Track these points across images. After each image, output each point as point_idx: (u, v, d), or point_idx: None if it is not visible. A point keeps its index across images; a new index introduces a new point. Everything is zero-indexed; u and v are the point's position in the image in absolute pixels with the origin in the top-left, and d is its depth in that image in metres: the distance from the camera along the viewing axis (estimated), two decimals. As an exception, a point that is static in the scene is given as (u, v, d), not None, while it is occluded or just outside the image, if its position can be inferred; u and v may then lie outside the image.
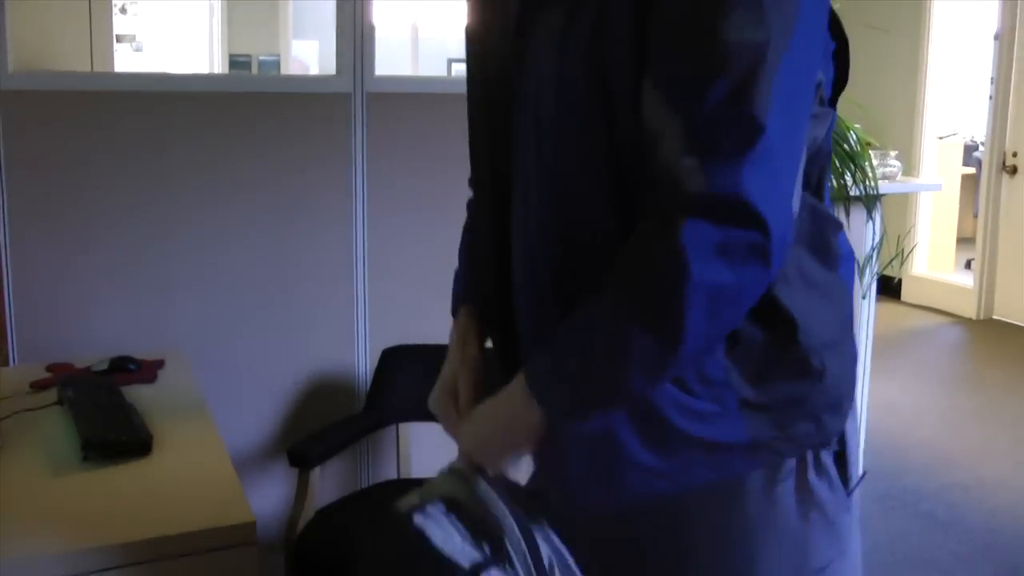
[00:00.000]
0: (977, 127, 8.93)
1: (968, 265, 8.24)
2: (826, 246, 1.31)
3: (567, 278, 1.24)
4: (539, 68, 1.22)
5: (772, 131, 1.06)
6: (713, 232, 1.05)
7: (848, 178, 3.87)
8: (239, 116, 3.11)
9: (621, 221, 1.16)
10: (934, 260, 8.33)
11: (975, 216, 7.99)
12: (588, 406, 1.20)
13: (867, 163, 3.95)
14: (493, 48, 1.36)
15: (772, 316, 1.23)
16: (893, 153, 4.52)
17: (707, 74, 1.05)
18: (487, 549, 1.21)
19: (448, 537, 1.20)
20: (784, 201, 1.09)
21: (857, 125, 4.04)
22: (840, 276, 1.32)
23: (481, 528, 1.23)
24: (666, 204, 1.07)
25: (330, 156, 3.22)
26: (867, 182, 3.92)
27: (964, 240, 8.71)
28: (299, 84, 3.67)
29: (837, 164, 3.87)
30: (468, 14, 1.45)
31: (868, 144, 4.13)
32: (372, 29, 3.22)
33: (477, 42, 1.43)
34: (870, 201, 3.95)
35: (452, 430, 1.41)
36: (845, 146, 3.86)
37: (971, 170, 9.28)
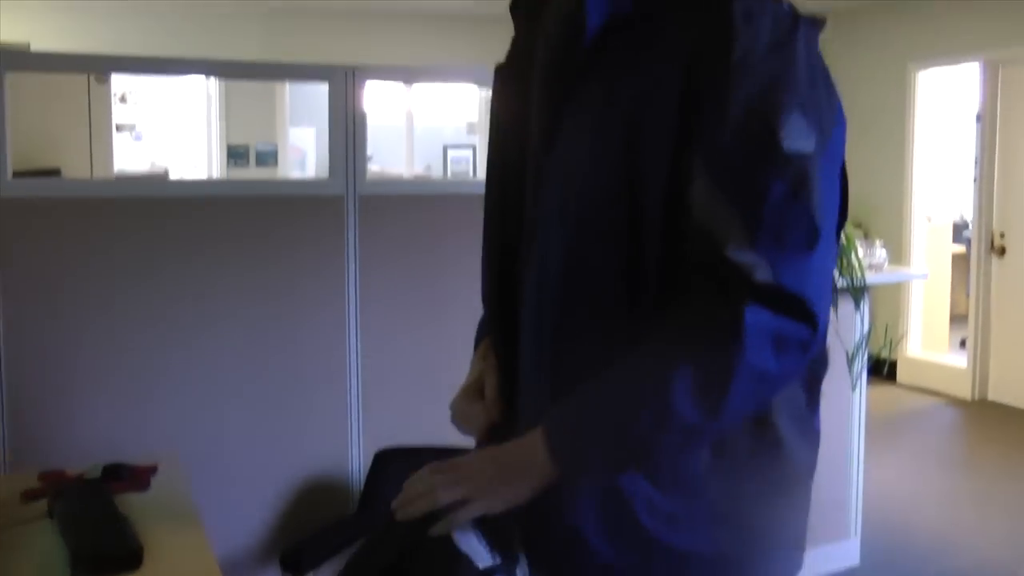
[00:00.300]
0: (966, 205, 9.01)
1: (963, 344, 8.27)
2: (817, 387, 1.35)
3: (573, 345, 1.29)
4: (568, 150, 1.30)
5: (825, 233, 1.18)
6: (772, 320, 1.15)
7: (835, 270, 3.91)
8: (232, 220, 3.16)
9: (632, 297, 1.24)
10: (928, 340, 8.36)
11: (968, 295, 8.04)
12: (609, 467, 1.23)
13: (853, 254, 4.00)
14: (516, 135, 1.44)
15: (763, 430, 1.26)
16: (879, 242, 4.58)
17: (767, 176, 1.17)
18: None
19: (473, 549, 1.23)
20: (828, 302, 1.21)
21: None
22: (815, 426, 1.37)
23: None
24: (730, 289, 1.16)
25: (323, 258, 3.26)
26: (854, 274, 3.96)
27: (959, 318, 8.75)
28: (292, 188, 3.73)
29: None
30: (494, 102, 1.55)
31: (859, 226, 4.19)
32: (364, 133, 3.28)
33: (502, 129, 1.52)
34: (857, 292, 3.99)
35: (475, 427, 1.44)
36: (831, 238, 3.90)
37: (962, 248, 9.35)
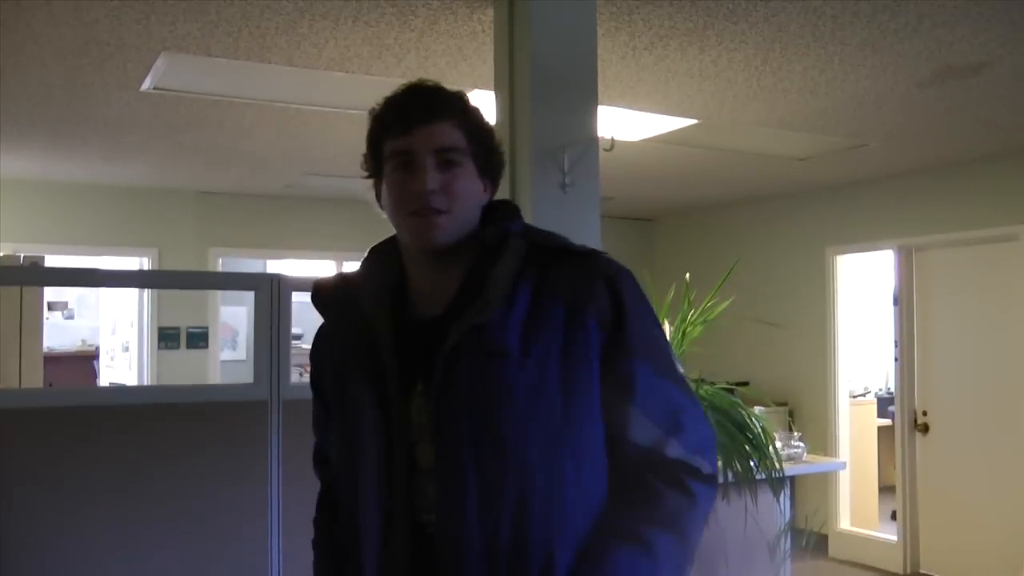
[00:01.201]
0: (892, 379, 9.21)
1: (894, 516, 8.35)
2: None
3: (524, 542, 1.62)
4: (492, 381, 1.65)
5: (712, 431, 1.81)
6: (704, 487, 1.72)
7: (753, 464, 4.00)
8: (157, 425, 3.18)
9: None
10: (858, 514, 8.44)
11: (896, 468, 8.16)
12: None
13: (771, 447, 4.09)
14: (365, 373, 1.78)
15: None
16: (797, 435, 4.69)
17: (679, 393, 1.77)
18: None
19: None
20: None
21: (759, 410, 4.20)
22: None
23: None
24: (678, 470, 1.71)
25: (246, 462, 3.29)
26: (772, 466, 4.04)
27: (889, 488, 8.85)
28: (217, 393, 3.76)
29: (747, 449, 4.01)
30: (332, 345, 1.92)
31: (784, 404, 4.29)
32: (288, 340, 3.35)
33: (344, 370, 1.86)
34: (776, 485, 4.07)
35: None
36: (748, 434, 4.00)
37: (888, 422, 9.52)
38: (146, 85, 4.92)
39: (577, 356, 1.67)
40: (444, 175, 1.70)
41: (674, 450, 1.69)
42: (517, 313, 1.67)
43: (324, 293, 1.90)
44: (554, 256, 1.74)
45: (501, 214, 1.80)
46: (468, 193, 1.73)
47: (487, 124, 1.81)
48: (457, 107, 1.75)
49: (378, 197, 1.81)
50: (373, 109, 1.79)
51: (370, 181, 1.82)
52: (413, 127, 1.70)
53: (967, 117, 5.79)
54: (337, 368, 1.84)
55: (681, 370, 1.79)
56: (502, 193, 3.96)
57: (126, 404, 3.21)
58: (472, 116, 1.77)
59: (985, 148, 6.76)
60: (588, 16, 3.73)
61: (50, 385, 8.92)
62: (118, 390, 3.86)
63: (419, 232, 1.71)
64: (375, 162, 1.79)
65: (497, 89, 3.78)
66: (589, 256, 1.76)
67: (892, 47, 4.35)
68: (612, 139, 3.54)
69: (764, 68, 4.66)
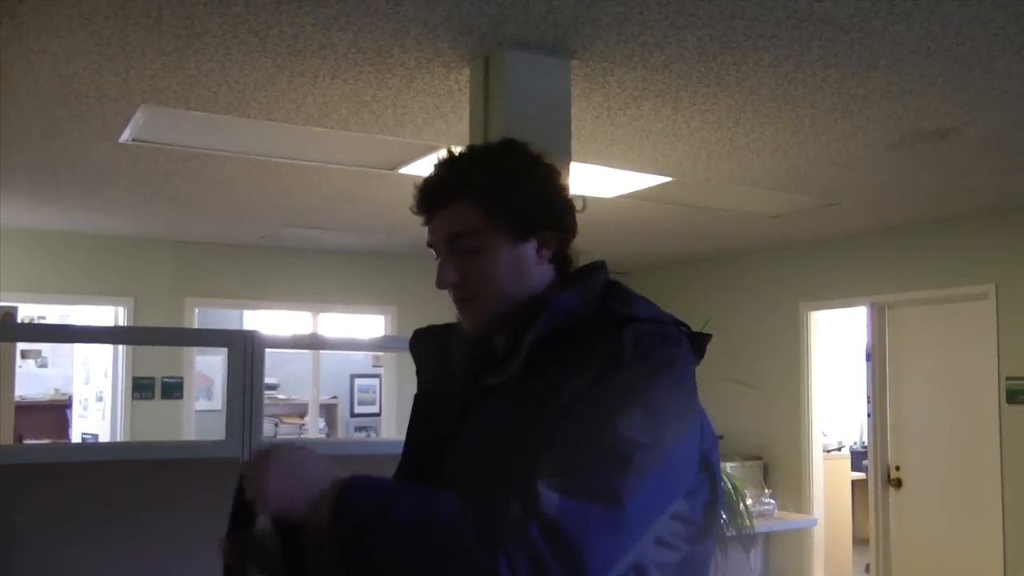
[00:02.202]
0: (865, 433, 9.25)
1: (867, 569, 8.35)
2: None
3: None
4: (477, 439, 1.61)
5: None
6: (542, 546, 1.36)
7: (725, 521, 4.02)
8: (129, 482, 3.17)
9: None
10: (832, 568, 8.45)
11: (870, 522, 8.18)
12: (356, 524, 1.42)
13: (741, 504, 4.12)
14: (436, 418, 1.75)
15: None
16: (768, 492, 4.71)
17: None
18: None
19: None
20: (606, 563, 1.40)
21: (730, 469, 4.23)
22: None
23: None
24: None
25: (219, 520, 3.27)
26: (742, 523, 4.07)
27: (863, 541, 8.85)
28: (189, 451, 3.76)
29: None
30: (420, 387, 1.86)
31: (759, 458, 4.31)
32: (261, 396, 3.35)
33: (422, 412, 1.83)
34: (746, 542, 4.09)
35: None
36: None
37: (862, 475, 9.56)
38: (125, 137, 4.95)
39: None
40: (463, 262, 1.63)
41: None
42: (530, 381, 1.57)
43: (418, 343, 1.88)
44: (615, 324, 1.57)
45: (576, 279, 1.70)
46: (496, 272, 1.63)
47: (516, 179, 1.67)
48: (473, 179, 1.65)
49: None
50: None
51: None
52: (431, 216, 1.66)
53: (936, 179, 5.87)
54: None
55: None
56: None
57: (96, 461, 3.20)
58: (492, 182, 1.65)
59: (955, 209, 6.85)
60: (563, 77, 3.80)
61: (20, 438, 8.89)
62: (88, 447, 3.87)
63: (462, 319, 1.70)
64: None
65: (472, 148, 3.83)
66: (644, 323, 1.59)
67: (861, 111, 4.43)
68: (584, 199, 3.58)
69: (736, 129, 4.73)
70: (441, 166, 1.68)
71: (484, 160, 1.70)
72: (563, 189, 1.73)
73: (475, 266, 1.63)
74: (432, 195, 1.66)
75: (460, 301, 1.66)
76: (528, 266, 1.66)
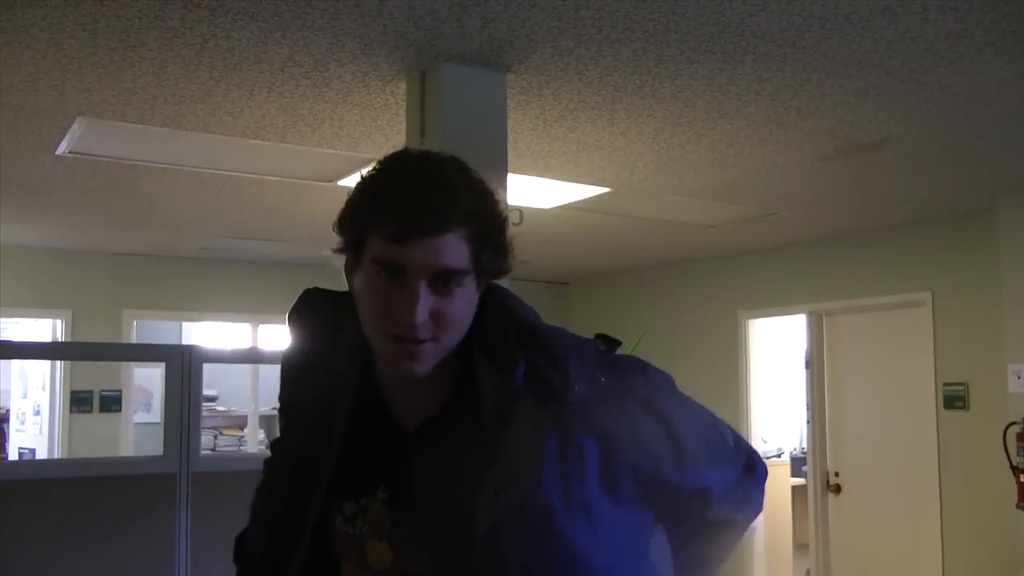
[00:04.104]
0: (804, 439, 9.35)
1: (808, 574, 8.43)
2: None
3: None
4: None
5: None
6: None
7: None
8: (64, 500, 3.15)
9: None
10: (772, 573, 8.51)
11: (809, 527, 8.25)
12: None
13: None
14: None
15: None
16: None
17: None
18: None
19: None
20: None
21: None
22: None
23: None
24: None
25: (154, 536, 3.25)
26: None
27: (804, 547, 8.94)
28: (125, 467, 3.73)
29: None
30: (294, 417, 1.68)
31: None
32: (199, 412, 3.34)
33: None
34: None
35: None
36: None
37: (801, 481, 9.64)
38: (61, 149, 4.90)
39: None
40: (438, 298, 1.40)
41: None
42: (550, 460, 1.42)
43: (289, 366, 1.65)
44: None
45: (495, 314, 1.51)
46: (462, 317, 1.44)
47: (500, 219, 1.49)
48: (470, 208, 1.41)
49: (349, 279, 1.50)
50: (365, 179, 1.47)
51: (335, 240, 1.50)
52: (412, 237, 1.37)
53: (872, 189, 5.96)
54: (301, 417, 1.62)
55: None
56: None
57: (31, 479, 3.17)
58: (486, 218, 1.45)
59: (891, 218, 6.96)
60: (498, 90, 3.82)
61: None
62: (23, 464, 3.81)
63: (395, 360, 1.42)
64: (353, 243, 1.45)
65: (410, 161, 3.84)
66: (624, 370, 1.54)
67: (796, 123, 4.49)
68: (521, 212, 3.61)
69: (672, 140, 4.77)
70: (435, 180, 1.41)
71: (481, 189, 1.46)
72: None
73: (447, 309, 1.41)
74: (425, 215, 1.38)
75: (415, 343, 1.40)
76: (471, 313, 1.48)
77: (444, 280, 1.39)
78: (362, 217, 1.43)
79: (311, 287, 1.64)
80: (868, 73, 3.85)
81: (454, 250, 1.39)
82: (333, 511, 1.53)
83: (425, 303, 1.38)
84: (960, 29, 3.41)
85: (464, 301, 1.43)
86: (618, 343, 1.55)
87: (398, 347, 1.41)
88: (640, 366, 1.55)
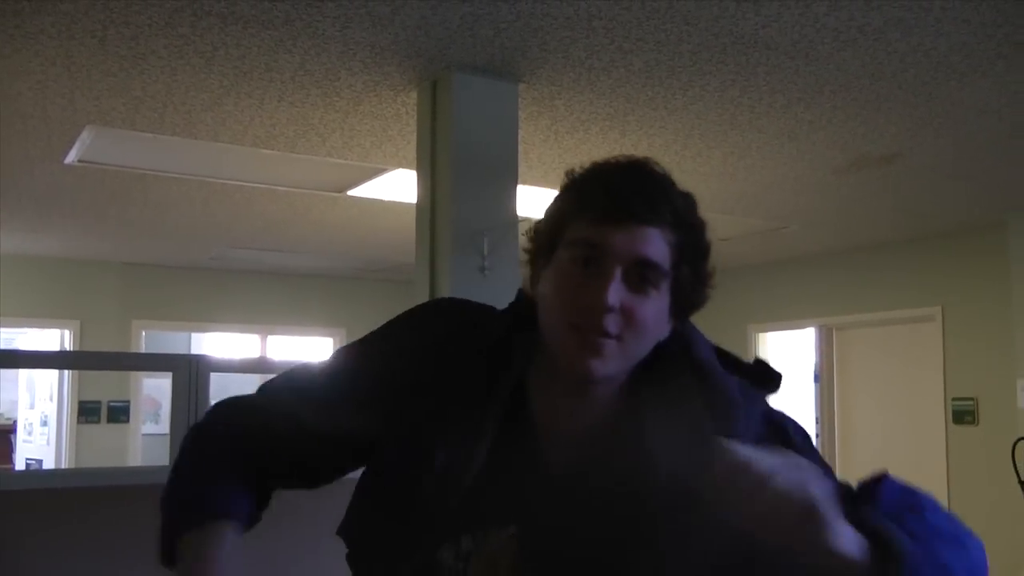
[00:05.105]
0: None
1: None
2: None
3: None
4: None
5: None
6: None
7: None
8: (66, 511, 3.12)
9: None
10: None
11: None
12: None
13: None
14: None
15: None
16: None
17: None
18: None
19: None
20: None
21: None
22: None
23: None
24: None
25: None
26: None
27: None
28: (131, 477, 3.71)
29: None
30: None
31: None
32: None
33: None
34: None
35: None
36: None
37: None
38: (71, 158, 4.90)
39: None
40: (631, 295, 1.27)
41: None
42: None
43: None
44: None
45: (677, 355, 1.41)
46: (651, 326, 1.31)
47: (707, 243, 1.38)
48: (683, 213, 1.33)
49: (534, 281, 1.36)
50: (572, 172, 1.37)
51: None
52: (620, 219, 1.27)
53: (883, 203, 5.94)
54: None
55: None
56: (421, 275, 3.98)
57: (38, 488, 3.15)
58: (695, 232, 1.35)
59: (902, 232, 6.93)
60: (510, 101, 3.80)
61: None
62: (29, 474, 3.80)
63: (574, 352, 1.27)
64: (551, 236, 1.33)
65: (419, 170, 3.83)
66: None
67: (808, 137, 4.47)
68: (531, 225, 3.58)
69: (684, 153, 4.76)
70: (651, 174, 1.33)
71: (692, 201, 1.37)
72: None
73: (638, 308, 1.28)
74: (637, 199, 1.28)
75: (599, 334, 1.26)
76: (656, 339, 1.36)
77: (641, 275, 1.27)
78: (567, 209, 1.33)
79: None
80: (880, 86, 3.83)
81: (659, 246, 1.29)
82: (448, 540, 1.33)
83: (617, 291, 1.25)
84: (973, 42, 3.40)
85: (656, 309, 1.30)
86: (779, 377, 1.43)
87: (580, 337, 1.26)
88: (796, 431, 1.38)
